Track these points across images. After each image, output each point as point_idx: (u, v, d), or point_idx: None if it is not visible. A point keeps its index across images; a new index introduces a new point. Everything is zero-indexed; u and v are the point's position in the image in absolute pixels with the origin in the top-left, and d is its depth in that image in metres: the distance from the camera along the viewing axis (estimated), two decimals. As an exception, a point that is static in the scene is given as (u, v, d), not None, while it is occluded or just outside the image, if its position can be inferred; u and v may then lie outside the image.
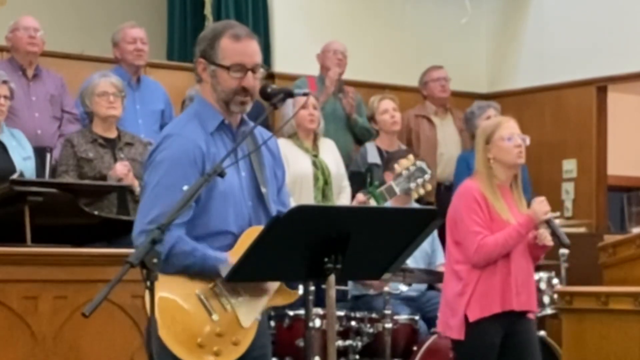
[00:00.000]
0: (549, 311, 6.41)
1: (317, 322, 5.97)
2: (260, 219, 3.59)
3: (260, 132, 3.74)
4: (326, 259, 3.26)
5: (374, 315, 6.23)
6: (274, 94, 3.56)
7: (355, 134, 7.89)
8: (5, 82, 6.04)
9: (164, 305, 3.40)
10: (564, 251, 6.64)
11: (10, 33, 6.87)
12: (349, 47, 7.94)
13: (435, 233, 6.37)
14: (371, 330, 6.19)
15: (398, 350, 6.20)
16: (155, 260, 3.06)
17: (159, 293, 3.26)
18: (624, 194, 10.64)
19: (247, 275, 3.37)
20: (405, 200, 6.45)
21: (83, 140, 6.21)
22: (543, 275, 6.46)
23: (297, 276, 3.54)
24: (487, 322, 5.04)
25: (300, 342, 6.06)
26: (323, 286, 3.39)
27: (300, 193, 6.67)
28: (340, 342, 6.08)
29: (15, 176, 5.62)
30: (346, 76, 7.93)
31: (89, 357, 5.09)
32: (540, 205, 5.08)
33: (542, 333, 6.21)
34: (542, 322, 6.56)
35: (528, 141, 5.20)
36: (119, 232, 5.49)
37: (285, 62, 8.48)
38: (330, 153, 7.05)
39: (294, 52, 8.47)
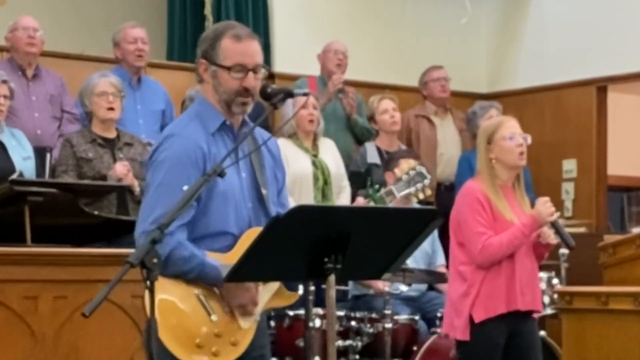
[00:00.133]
0: (549, 311, 6.40)
1: (317, 322, 5.98)
2: (260, 220, 3.58)
3: (261, 133, 3.74)
4: (326, 259, 3.25)
5: (374, 315, 6.22)
6: (274, 94, 3.55)
7: (355, 134, 7.89)
8: (5, 81, 6.03)
9: (163, 306, 3.39)
10: (563, 251, 6.65)
11: (10, 33, 6.86)
12: (349, 47, 7.95)
13: (435, 233, 6.37)
14: (371, 330, 6.19)
15: (398, 350, 6.20)
16: (155, 260, 3.06)
17: (158, 295, 3.26)
18: (624, 194, 10.64)
19: (247, 276, 3.36)
20: (404, 204, 6.43)
21: (82, 140, 6.21)
22: (543, 275, 6.43)
23: (297, 276, 3.53)
24: (492, 323, 5.03)
25: (300, 342, 6.06)
26: (323, 286, 3.38)
27: (300, 193, 6.67)
28: (340, 342, 6.08)
29: (15, 176, 5.61)
30: (346, 76, 7.92)
31: (89, 357, 5.09)
32: (545, 206, 5.06)
33: (542, 333, 6.20)
34: (542, 322, 6.55)
35: (530, 140, 5.19)
36: (118, 232, 5.50)
37: (285, 62, 8.48)
38: (330, 153, 7.06)
39: (294, 52, 8.47)
